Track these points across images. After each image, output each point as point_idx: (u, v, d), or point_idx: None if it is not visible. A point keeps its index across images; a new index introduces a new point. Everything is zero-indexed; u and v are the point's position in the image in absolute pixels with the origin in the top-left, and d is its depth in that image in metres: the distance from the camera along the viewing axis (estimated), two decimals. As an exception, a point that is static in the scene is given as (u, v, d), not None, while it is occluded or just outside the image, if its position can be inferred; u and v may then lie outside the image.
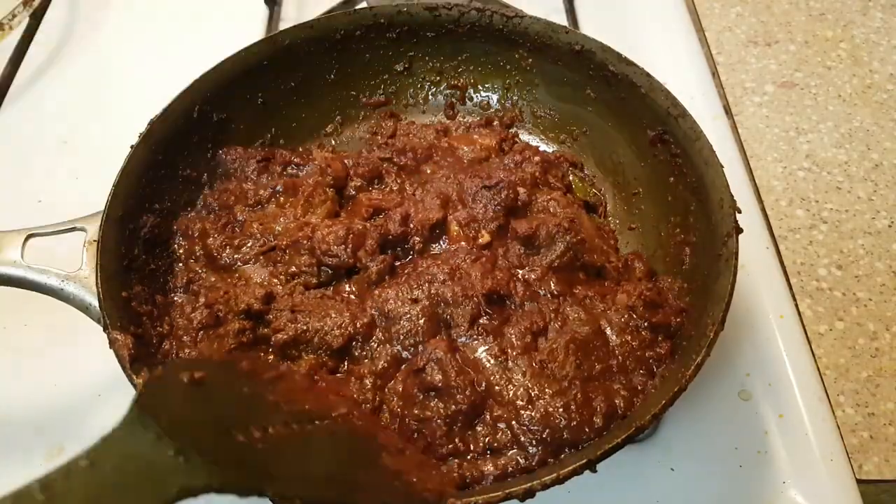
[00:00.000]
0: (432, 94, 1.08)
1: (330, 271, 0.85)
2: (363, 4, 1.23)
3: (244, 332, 0.78)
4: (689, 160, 0.84)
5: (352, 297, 0.83)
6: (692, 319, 0.76)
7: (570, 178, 0.98)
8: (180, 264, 0.87)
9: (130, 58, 1.31)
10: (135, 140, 0.85)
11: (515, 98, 1.05)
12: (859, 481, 0.79)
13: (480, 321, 0.79)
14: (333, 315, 0.79)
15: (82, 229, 0.80)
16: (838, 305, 1.05)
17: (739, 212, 0.76)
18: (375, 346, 0.79)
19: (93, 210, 0.81)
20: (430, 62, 1.06)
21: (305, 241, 0.86)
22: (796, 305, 0.93)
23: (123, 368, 0.69)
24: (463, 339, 0.78)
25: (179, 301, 0.84)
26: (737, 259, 0.73)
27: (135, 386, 0.68)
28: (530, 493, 0.61)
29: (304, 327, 0.79)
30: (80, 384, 0.89)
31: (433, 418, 0.72)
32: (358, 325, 0.79)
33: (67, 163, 1.14)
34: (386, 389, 0.76)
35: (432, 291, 0.80)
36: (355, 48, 1.02)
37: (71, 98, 1.24)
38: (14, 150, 1.17)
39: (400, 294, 0.80)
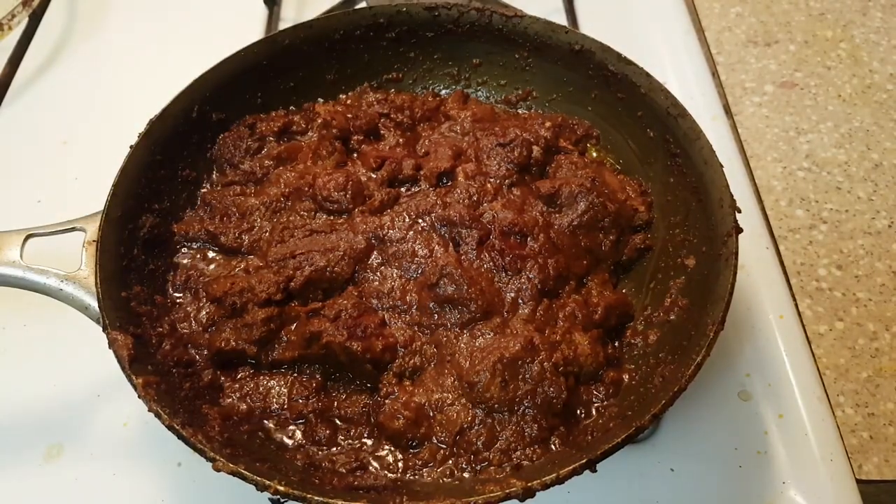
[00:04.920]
0: (432, 96, 1.08)
1: (328, 216, 0.88)
2: (363, 4, 1.23)
3: (272, 320, 0.78)
4: (688, 160, 0.84)
5: (343, 226, 0.86)
6: (692, 320, 0.76)
7: (587, 145, 0.99)
8: (180, 263, 0.87)
9: (130, 58, 1.31)
10: (134, 140, 0.85)
11: (515, 98, 1.05)
12: (859, 481, 0.79)
13: (489, 243, 0.83)
14: (329, 245, 0.83)
15: (82, 229, 0.80)
16: (838, 305, 1.05)
17: (739, 211, 0.76)
18: (377, 266, 0.83)
19: (92, 210, 0.81)
20: (429, 62, 1.06)
21: (307, 189, 0.89)
22: (796, 305, 0.93)
23: (123, 369, 0.69)
24: (471, 255, 0.82)
25: (181, 301, 0.84)
26: (737, 259, 0.73)
27: (134, 386, 0.67)
28: (530, 493, 0.61)
29: (312, 266, 0.81)
30: (80, 384, 0.89)
31: (449, 325, 0.78)
32: (356, 248, 0.82)
33: (67, 163, 1.14)
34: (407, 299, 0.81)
35: (435, 214, 0.85)
36: (355, 48, 1.02)
37: (70, 98, 1.24)
38: (14, 150, 1.17)
39: (401, 216, 0.85)
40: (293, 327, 0.79)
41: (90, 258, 0.76)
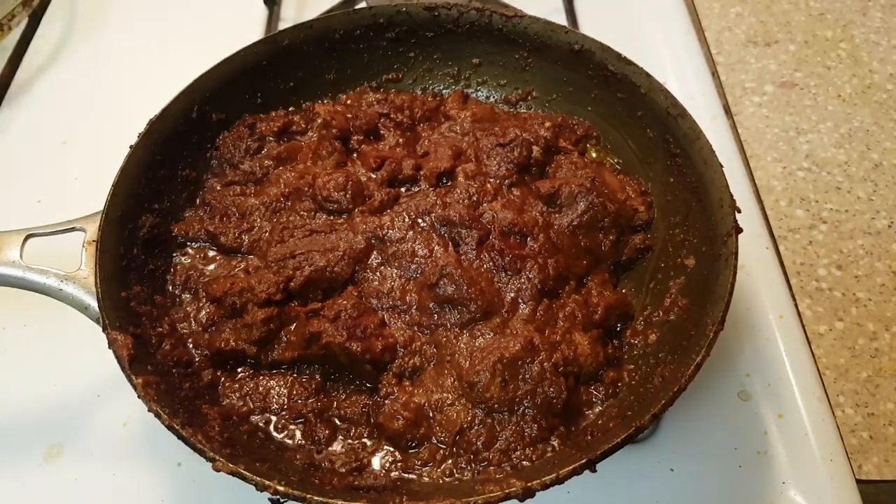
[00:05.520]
0: (432, 96, 1.08)
1: (328, 216, 0.88)
2: (362, 4, 1.23)
3: (271, 320, 0.78)
4: (688, 160, 0.84)
5: (343, 226, 0.86)
6: (692, 320, 0.76)
7: (587, 145, 0.99)
8: (180, 263, 0.87)
9: (130, 58, 1.31)
10: (134, 140, 0.85)
11: (515, 98, 1.05)
12: (859, 481, 0.79)
13: (488, 243, 0.83)
14: (329, 245, 0.83)
15: (81, 229, 0.80)
16: (838, 305, 1.05)
17: (739, 211, 0.76)
18: (377, 266, 0.83)
19: (92, 210, 0.81)
20: (429, 62, 1.06)
21: (307, 189, 0.89)
22: (796, 305, 0.93)
23: (122, 369, 0.69)
24: (471, 255, 0.82)
25: (181, 301, 0.84)
26: (736, 258, 0.73)
27: (134, 386, 0.67)
28: (530, 493, 0.61)
29: (312, 266, 0.81)
30: (80, 384, 0.89)
31: (449, 325, 0.78)
32: (356, 248, 0.82)
33: (67, 163, 1.14)
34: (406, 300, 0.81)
35: (435, 214, 0.85)
36: (354, 48, 1.02)
37: (70, 98, 1.24)
38: (14, 150, 1.17)
39: (401, 216, 0.85)
40: (293, 327, 0.79)
41: (90, 258, 0.76)
